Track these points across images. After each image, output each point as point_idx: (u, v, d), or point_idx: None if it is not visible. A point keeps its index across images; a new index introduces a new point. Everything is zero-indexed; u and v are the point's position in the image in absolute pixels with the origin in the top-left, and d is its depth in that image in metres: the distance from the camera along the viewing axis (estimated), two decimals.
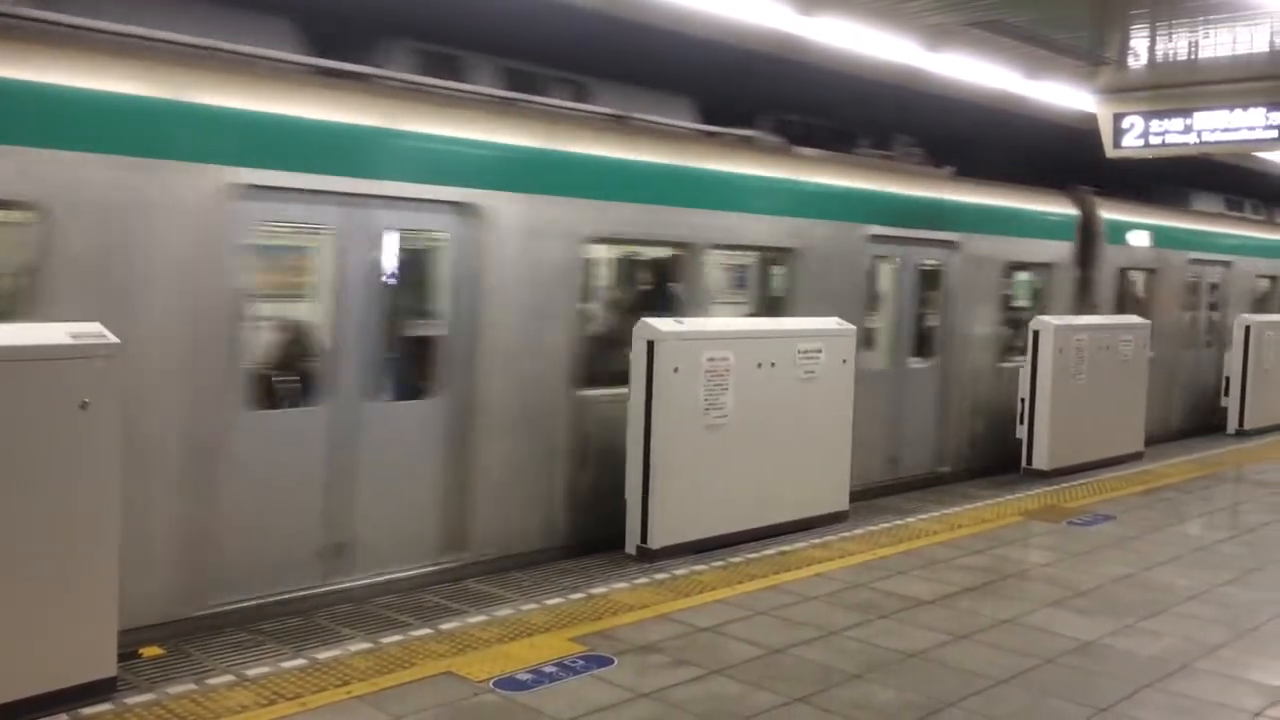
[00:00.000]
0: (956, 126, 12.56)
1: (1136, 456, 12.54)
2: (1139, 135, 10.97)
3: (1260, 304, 18.26)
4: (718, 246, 9.24)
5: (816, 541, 8.22)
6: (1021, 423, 11.39)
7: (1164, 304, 15.32)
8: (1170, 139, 10.83)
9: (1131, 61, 9.97)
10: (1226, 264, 16.92)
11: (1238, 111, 10.41)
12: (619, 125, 8.66)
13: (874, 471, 10.65)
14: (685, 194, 8.84)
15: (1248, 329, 14.84)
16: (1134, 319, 13.08)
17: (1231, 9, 8.10)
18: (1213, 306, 16.88)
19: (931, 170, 11.73)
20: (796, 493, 8.62)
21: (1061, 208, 13.43)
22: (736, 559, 7.62)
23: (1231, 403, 15.05)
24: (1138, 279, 15.33)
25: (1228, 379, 15.05)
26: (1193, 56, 9.66)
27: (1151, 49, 9.50)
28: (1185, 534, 8.90)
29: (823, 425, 8.85)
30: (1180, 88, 10.60)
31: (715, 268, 9.58)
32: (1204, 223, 16.83)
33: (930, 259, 11.54)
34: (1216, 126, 10.56)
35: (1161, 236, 15.08)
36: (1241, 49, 9.31)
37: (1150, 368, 13.12)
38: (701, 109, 9.82)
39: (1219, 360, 15.91)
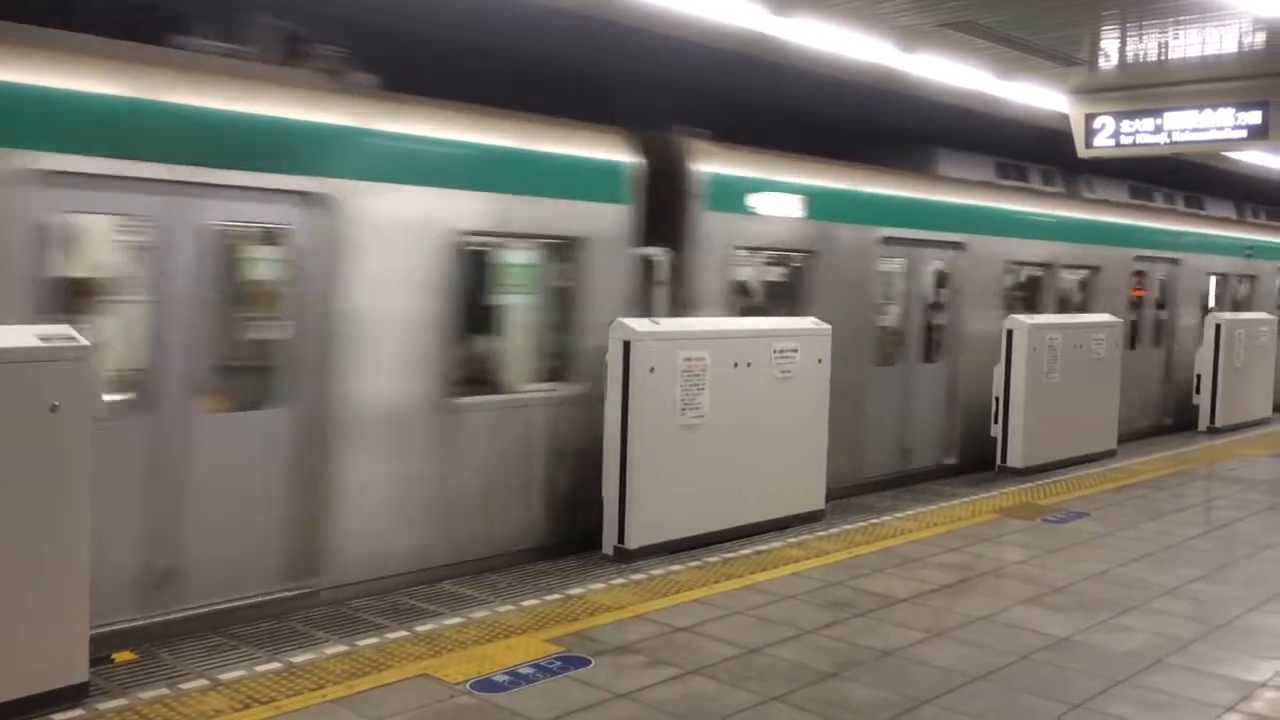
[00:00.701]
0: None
1: (1110, 454, 12.64)
2: (1110, 135, 11.08)
3: (1011, 306, 12.93)
4: None
5: (793, 540, 8.24)
6: (996, 421, 11.46)
7: (828, 303, 10.11)
8: (1141, 139, 10.95)
9: (1102, 62, 10.04)
10: (958, 246, 12.00)
11: (1207, 111, 10.54)
12: None
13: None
14: None
15: (1218, 327, 15.00)
16: (1107, 318, 13.15)
17: (1201, 10, 8.17)
18: (935, 307, 12.03)
19: (276, 71, 6.89)
20: (773, 492, 8.64)
21: (598, 150, 8.45)
22: (713, 559, 7.63)
23: (1203, 400, 15.21)
24: (777, 266, 10.44)
25: (1199, 376, 15.20)
26: (1163, 57, 9.74)
27: (1122, 50, 9.57)
28: (1158, 530, 8.97)
29: (799, 425, 8.87)
30: (1151, 88, 10.70)
31: None
32: (918, 189, 11.67)
33: (252, 222, 6.80)
34: (1186, 126, 10.69)
35: (827, 204, 10.22)
36: (1211, 50, 9.41)
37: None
38: None
39: (947, 382, 12.00)
